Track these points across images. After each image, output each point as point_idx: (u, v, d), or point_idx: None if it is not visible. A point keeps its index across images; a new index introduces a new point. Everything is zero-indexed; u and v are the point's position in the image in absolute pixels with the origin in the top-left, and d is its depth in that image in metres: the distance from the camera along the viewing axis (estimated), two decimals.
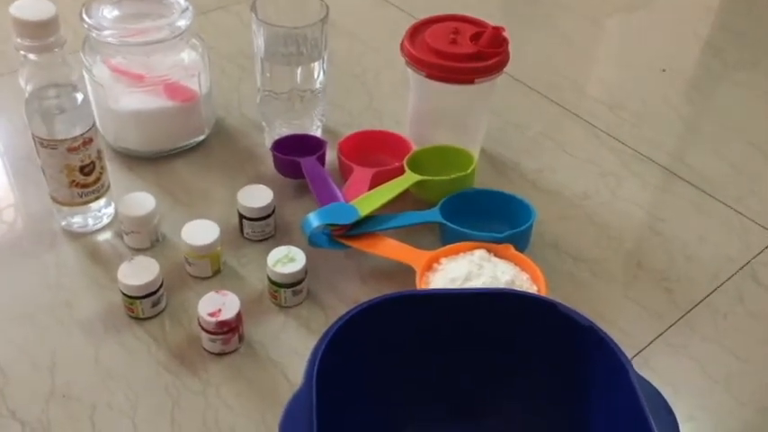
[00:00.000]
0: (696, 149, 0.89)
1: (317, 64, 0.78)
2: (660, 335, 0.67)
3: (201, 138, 0.82)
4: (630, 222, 0.79)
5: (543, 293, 0.62)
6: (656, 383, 0.48)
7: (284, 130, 0.81)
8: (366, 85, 0.95)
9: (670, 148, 0.89)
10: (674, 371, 0.65)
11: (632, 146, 0.88)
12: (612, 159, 0.86)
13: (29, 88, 0.63)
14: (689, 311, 0.70)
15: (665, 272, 0.73)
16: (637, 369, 0.48)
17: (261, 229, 0.72)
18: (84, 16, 0.73)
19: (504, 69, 0.75)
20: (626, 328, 0.67)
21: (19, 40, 0.60)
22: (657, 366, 0.64)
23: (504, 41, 0.74)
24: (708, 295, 0.71)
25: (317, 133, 0.83)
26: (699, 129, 0.93)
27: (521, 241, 0.69)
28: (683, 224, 0.79)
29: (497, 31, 0.73)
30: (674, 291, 0.71)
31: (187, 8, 0.76)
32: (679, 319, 0.69)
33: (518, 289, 0.62)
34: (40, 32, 0.60)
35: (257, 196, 0.71)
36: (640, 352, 0.66)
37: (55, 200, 0.70)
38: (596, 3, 1.17)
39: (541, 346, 0.53)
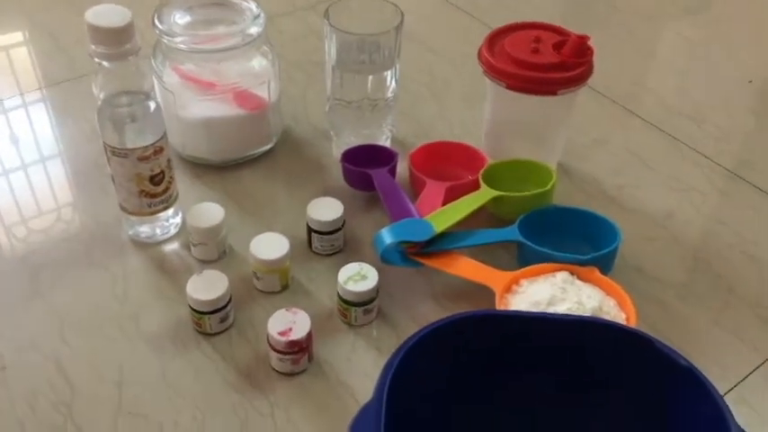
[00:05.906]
0: None
1: (389, 72, 0.75)
2: (757, 368, 0.62)
3: (269, 146, 0.81)
4: (719, 244, 0.74)
5: (633, 322, 0.58)
6: (755, 422, 0.44)
7: (353, 140, 0.79)
8: (436, 94, 0.92)
9: (760, 165, 0.83)
10: None
11: (718, 161, 0.83)
12: (698, 175, 0.81)
13: (101, 96, 0.62)
14: None
15: (759, 298, 0.68)
16: (732, 404, 0.44)
17: (330, 243, 0.69)
18: (156, 22, 0.72)
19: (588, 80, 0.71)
20: (719, 360, 0.63)
21: (93, 47, 0.59)
22: (756, 402, 0.60)
23: (589, 51, 0.71)
24: None
25: (387, 143, 0.80)
26: None
27: (605, 264, 0.65)
28: None
29: (582, 39, 0.70)
30: None
31: (259, 15, 0.74)
32: None
33: (605, 317, 0.58)
34: (115, 40, 0.59)
35: (327, 209, 0.69)
36: (735, 386, 0.61)
37: (124, 209, 0.69)
38: (674, 10, 1.12)
39: (631, 383, 0.49)
